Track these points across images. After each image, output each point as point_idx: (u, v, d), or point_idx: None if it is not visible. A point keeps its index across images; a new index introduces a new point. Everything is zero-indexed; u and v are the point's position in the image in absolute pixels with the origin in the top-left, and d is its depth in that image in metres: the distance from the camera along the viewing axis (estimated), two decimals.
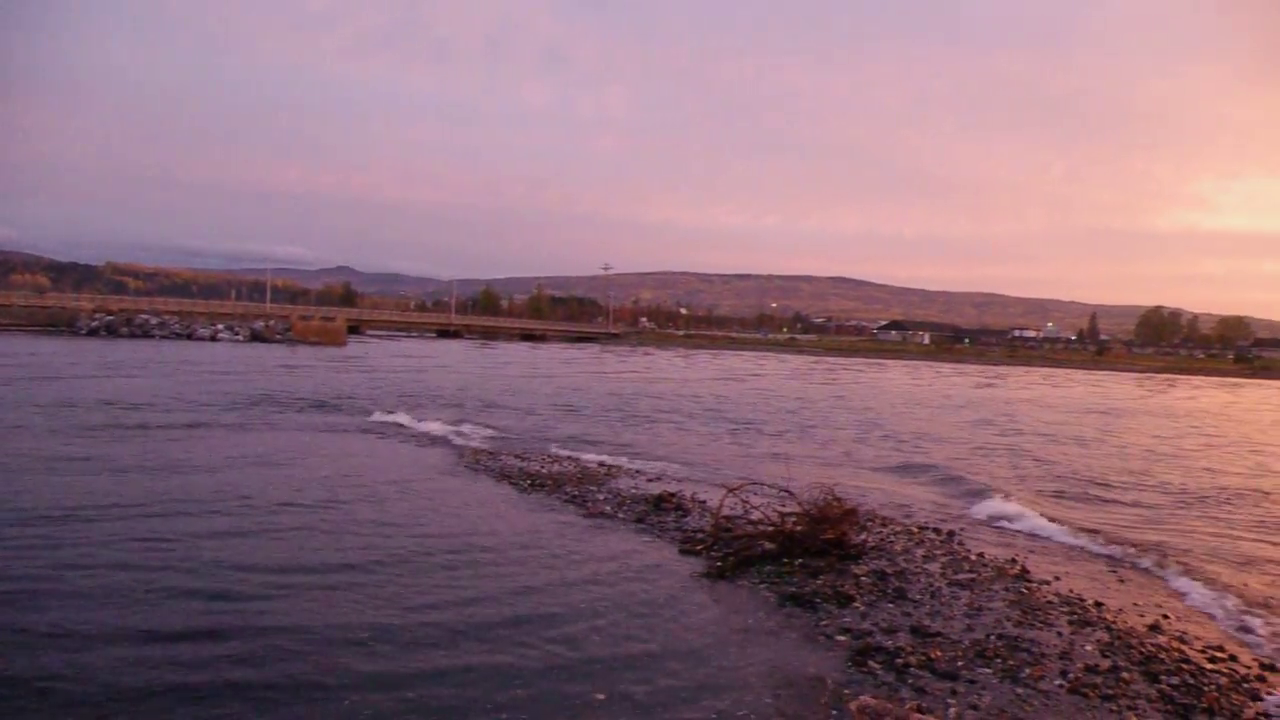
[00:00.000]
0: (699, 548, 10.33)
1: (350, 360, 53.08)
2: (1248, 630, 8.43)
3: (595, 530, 11.17)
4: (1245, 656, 7.60)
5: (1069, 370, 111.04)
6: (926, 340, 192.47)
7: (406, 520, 11.18)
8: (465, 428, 21.31)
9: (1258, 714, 6.27)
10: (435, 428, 21.09)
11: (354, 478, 14.00)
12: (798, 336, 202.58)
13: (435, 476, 14.66)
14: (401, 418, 22.68)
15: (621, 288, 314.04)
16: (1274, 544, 12.36)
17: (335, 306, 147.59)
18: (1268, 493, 17.24)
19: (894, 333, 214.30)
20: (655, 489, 13.84)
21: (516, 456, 17.02)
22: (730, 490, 11.35)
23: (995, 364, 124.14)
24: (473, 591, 8.30)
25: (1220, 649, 7.71)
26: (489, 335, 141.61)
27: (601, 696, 6.07)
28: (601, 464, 16.66)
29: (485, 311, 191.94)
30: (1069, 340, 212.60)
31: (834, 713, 5.81)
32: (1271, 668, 7.35)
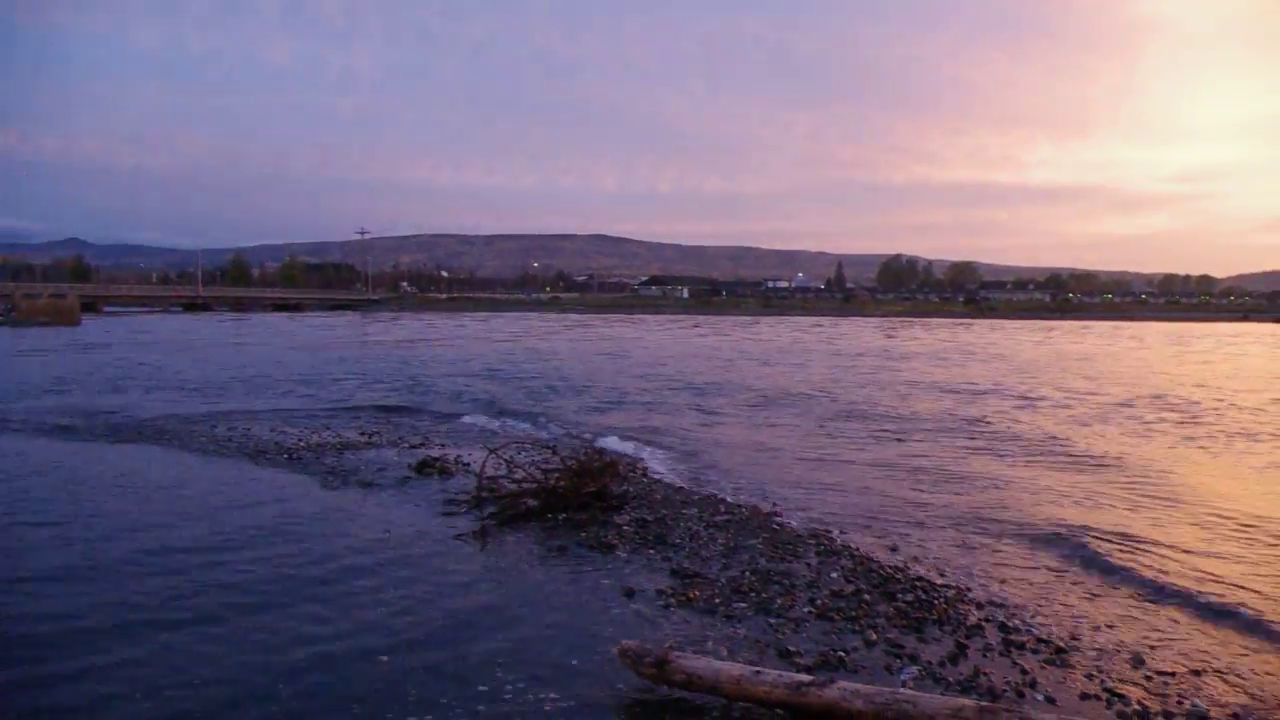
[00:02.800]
0: (464, 509, 10.25)
1: (85, 345, 49.08)
2: (969, 549, 9.23)
3: (356, 499, 10.87)
4: (978, 572, 8.34)
5: (819, 317, 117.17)
6: (685, 294, 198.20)
7: (145, 510, 10.51)
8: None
9: (979, 620, 6.87)
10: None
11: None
12: (561, 295, 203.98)
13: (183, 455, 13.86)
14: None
15: (380, 252, 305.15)
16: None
17: (66, 283, 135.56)
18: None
19: (654, 288, 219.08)
20: (418, 455, 13.59)
21: (272, 430, 16.31)
22: (492, 450, 11.31)
23: (751, 314, 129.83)
24: (229, 575, 7.86)
25: (950, 566, 8.44)
26: (241, 307, 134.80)
27: (385, 658, 5.96)
28: (363, 433, 16.23)
29: (236, 282, 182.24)
30: (819, 289, 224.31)
31: (598, 658, 5.93)
32: (999, 580, 8.12)
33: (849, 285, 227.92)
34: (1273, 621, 7.10)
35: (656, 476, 12.54)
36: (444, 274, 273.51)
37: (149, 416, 18.10)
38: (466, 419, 18.80)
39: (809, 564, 8.28)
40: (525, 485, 10.45)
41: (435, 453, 13.81)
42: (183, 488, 11.45)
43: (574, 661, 5.92)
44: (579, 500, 10.18)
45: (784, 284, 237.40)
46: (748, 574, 7.89)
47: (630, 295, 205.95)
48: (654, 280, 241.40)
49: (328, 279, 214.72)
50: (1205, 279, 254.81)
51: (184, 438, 15.47)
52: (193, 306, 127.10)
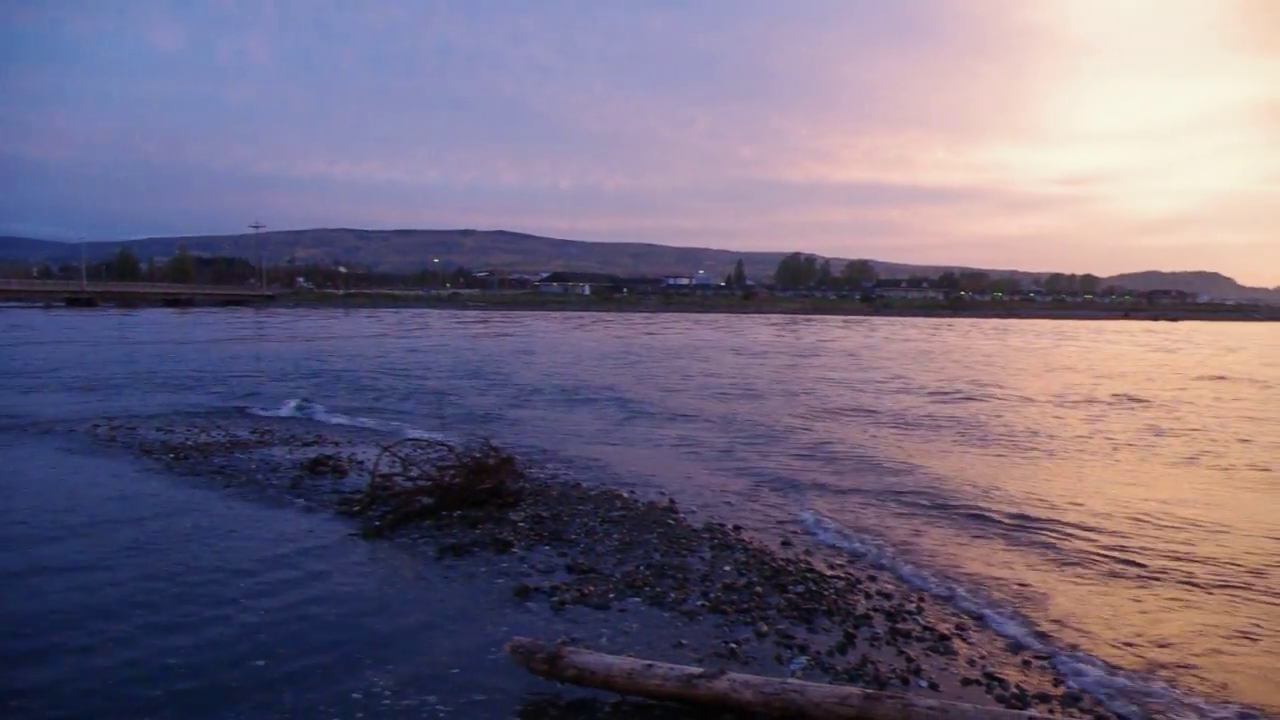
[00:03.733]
0: (356, 509, 10.04)
1: None
2: (862, 541, 9.44)
3: (245, 500, 10.55)
4: (861, 563, 8.53)
5: (716, 315, 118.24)
6: (587, 291, 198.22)
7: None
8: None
9: (867, 610, 7.03)
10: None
11: None
12: (462, 292, 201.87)
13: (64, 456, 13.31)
14: None
15: (275, 247, 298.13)
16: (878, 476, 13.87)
17: None
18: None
19: (556, 285, 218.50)
20: (311, 453, 13.29)
21: (159, 429, 15.77)
22: (385, 448, 11.13)
23: (652, 310, 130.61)
24: (101, 581, 7.56)
25: (842, 556, 8.64)
26: (128, 302, 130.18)
27: (261, 663, 5.79)
28: (255, 431, 15.80)
29: (123, 276, 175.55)
30: (719, 286, 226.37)
31: (490, 657, 5.88)
32: (883, 567, 8.34)
33: (749, 283, 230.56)
34: (1154, 596, 7.44)
35: (555, 472, 12.51)
36: (341, 270, 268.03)
37: (26, 415, 17.32)
38: (363, 418, 18.43)
39: (703, 558, 8.34)
40: (420, 483, 10.30)
41: (329, 451, 13.51)
42: (56, 489, 10.99)
43: (465, 661, 5.85)
44: (475, 497, 10.08)
45: (685, 281, 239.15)
46: (643, 569, 7.92)
47: (532, 292, 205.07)
48: (556, 277, 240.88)
49: (220, 274, 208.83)
50: (1089, 278, 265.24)
51: (64, 437, 14.85)
52: (76, 302, 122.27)
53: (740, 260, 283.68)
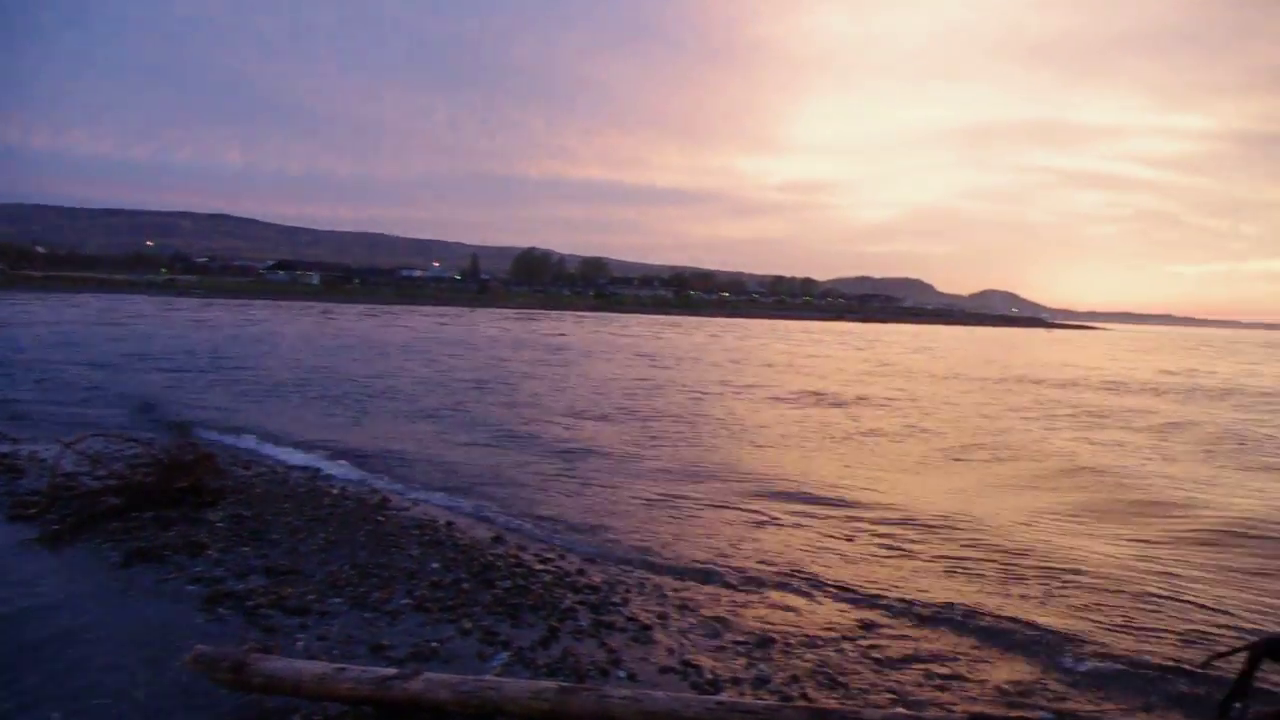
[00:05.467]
0: (33, 512, 9.10)
1: None
2: (574, 533, 9.59)
3: None
4: (572, 556, 8.62)
5: (453, 308, 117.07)
6: (317, 280, 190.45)
7: None
8: None
9: (574, 604, 7.10)
10: None
11: None
12: (178, 278, 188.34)
13: None
14: None
15: None
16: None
17: None
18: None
19: (283, 273, 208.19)
20: None
21: None
22: (67, 444, 10.16)
23: (385, 302, 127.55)
24: None
25: (552, 549, 8.69)
26: None
27: None
28: None
29: None
30: (454, 279, 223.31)
31: (173, 671, 5.46)
32: (591, 560, 8.47)
33: (484, 276, 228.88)
34: (838, 583, 7.96)
35: (265, 468, 11.90)
36: (40, 250, 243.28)
37: None
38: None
39: (412, 555, 8.16)
40: (108, 482, 9.49)
41: (4, 449, 12.22)
42: None
43: (148, 680, 5.38)
44: (169, 496, 9.38)
45: (419, 273, 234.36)
46: (347, 568, 7.63)
47: (256, 280, 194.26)
48: (283, 265, 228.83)
49: None
50: (809, 281, 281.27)
51: None
52: None
53: (475, 254, 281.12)
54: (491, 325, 74.76)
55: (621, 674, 5.77)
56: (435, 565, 7.87)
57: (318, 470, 12.22)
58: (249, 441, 14.29)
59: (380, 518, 9.51)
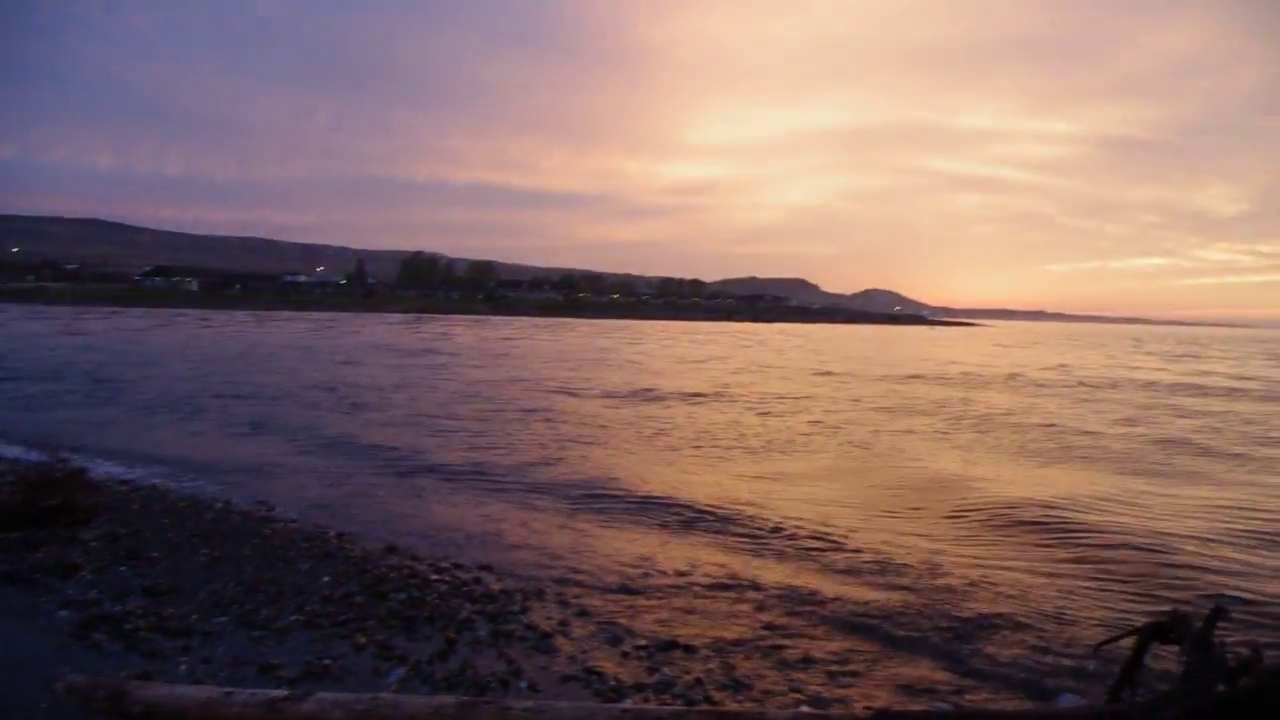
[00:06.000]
0: None
1: None
2: (470, 538, 9.42)
3: None
4: (469, 565, 8.43)
5: (339, 314, 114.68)
6: (195, 287, 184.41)
7: None
8: None
9: (471, 613, 6.93)
10: None
11: None
12: (48, 285, 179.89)
13: None
14: None
15: None
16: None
17: None
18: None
19: (160, 279, 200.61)
20: None
21: None
22: None
23: (268, 308, 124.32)
24: None
25: (445, 560, 8.49)
26: None
27: None
28: None
29: None
30: (340, 284, 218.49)
31: (44, 702, 5.13)
32: (488, 568, 8.29)
33: (371, 281, 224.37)
34: (741, 584, 7.97)
35: (141, 483, 11.37)
36: None
37: None
38: None
39: (301, 569, 7.87)
40: None
41: None
42: None
43: (14, 714, 5.05)
44: (37, 515, 8.88)
45: (304, 278, 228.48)
46: (233, 585, 7.32)
47: (131, 287, 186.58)
48: (160, 271, 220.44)
49: None
50: (697, 283, 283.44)
51: None
52: None
53: (361, 258, 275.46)
54: (375, 331, 73.48)
55: (523, 685, 5.64)
56: (326, 579, 7.59)
57: (158, 485, 11.75)
58: (118, 458, 13.65)
59: (267, 531, 9.17)
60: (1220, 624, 4.49)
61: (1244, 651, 4.37)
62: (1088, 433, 20.38)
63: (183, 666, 5.67)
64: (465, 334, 71.98)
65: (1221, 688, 4.25)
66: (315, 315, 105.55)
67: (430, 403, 22.64)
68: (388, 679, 5.61)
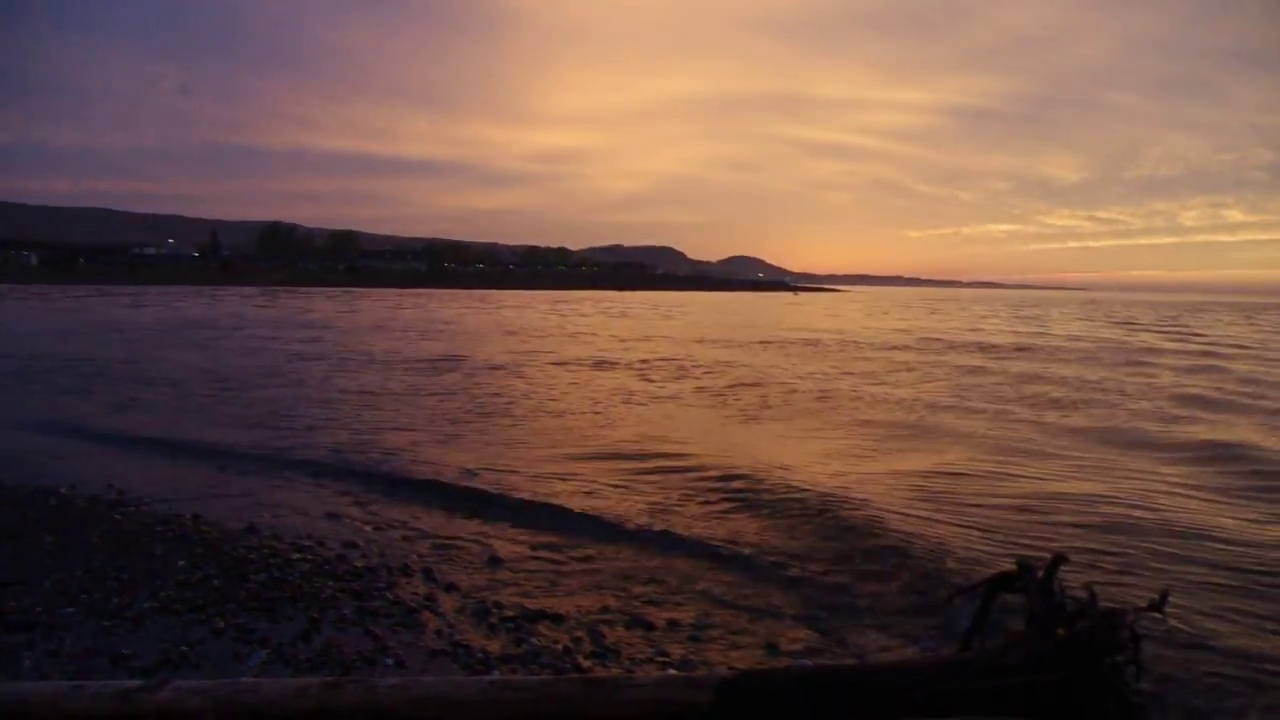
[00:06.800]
0: None
1: None
2: (336, 515, 9.27)
3: None
4: (331, 541, 8.29)
5: (196, 286, 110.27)
6: (34, 261, 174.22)
7: None
8: None
9: (335, 591, 6.82)
10: None
11: None
12: None
13: None
14: None
15: None
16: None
17: None
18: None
19: None
20: None
21: None
22: None
23: (116, 283, 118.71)
24: None
25: (309, 538, 8.31)
26: None
27: None
28: None
29: None
30: (194, 256, 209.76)
31: None
32: (353, 545, 8.16)
33: (226, 253, 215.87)
34: (605, 555, 8.07)
35: None
36: None
37: None
38: None
39: (155, 554, 7.59)
40: None
41: None
42: None
43: None
44: None
45: (154, 251, 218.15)
46: (80, 573, 7.01)
47: None
48: None
49: None
50: (563, 251, 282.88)
51: None
52: None
53: (216, 229, 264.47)
54: (232, 305, 71.03)
55: (390, 662, 5.60)
56: (182, 563, 7.34)
57: None
58: None
59: (118, 515, 8.79)
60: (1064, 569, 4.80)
61: (1082, 596, 4.69)
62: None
63: (27, 662, 5.44)
64: (331, 308, 70.13)
65: (1061, 631, 4.54)
66: (168, 290, 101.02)
67: (298, 386, 22.02)
68: (249, 663, 5.49)
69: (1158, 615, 4.70)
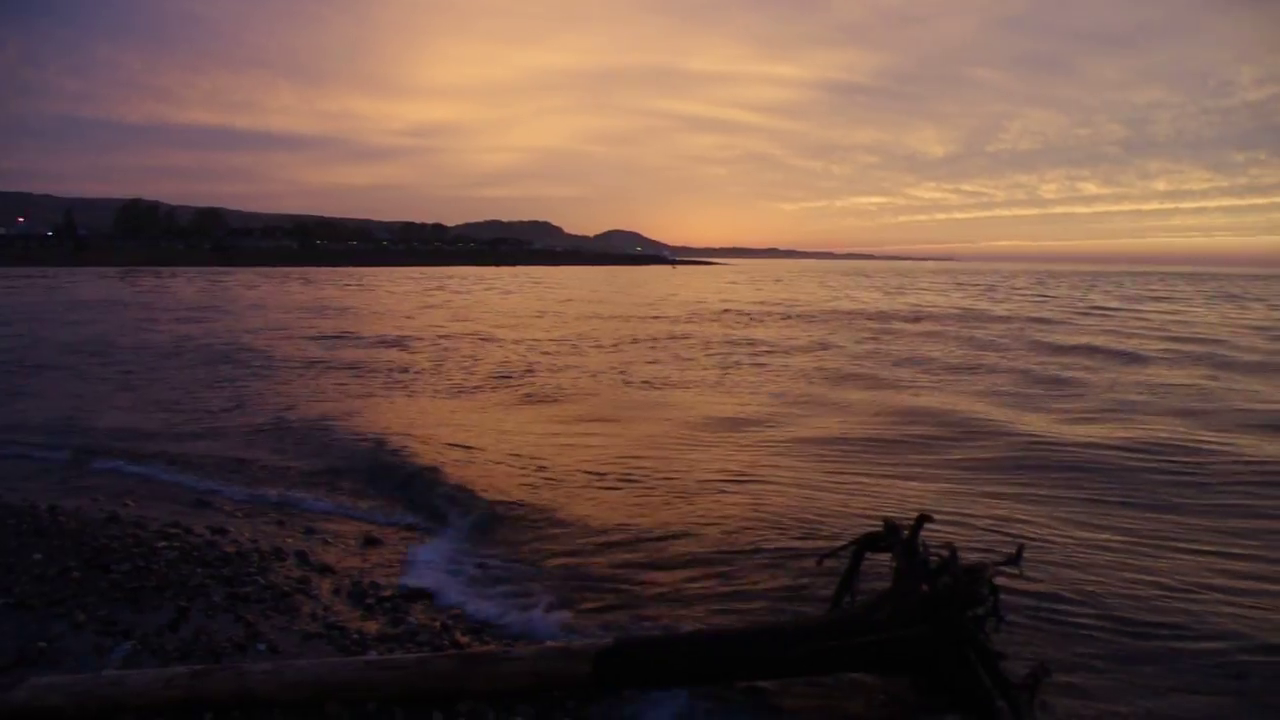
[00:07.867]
0: None
1: None
2: (205, 503, 9.01)
3: None
4: (199, 526, 8.04)
5: (48, 268, 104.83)
6: None
7: None
8: None
9: (205, 578, 6.63)
10: None
11: None
12: None
13: None
14: None
15: None
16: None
17: None
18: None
19: None
20: None
21: None
22: None
23: None
24: None
25: (176, 525, 8.04)
26: None
27: None
28: None
29: None
30: (46, 236, 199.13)
31: None
32: (221, 530, 7.94)
33: (82, 232, 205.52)
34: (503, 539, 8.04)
35: None
36: None
37: None
38: None
39: (8, 548, 7.21)
40: None
41: None
42: None
43: None
44: None
45: (2, 231, 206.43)
46: None
47: None
48: None
49: None
50: (439, 227, 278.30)
51: None
52: None
53: (70, 208, 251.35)
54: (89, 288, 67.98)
55: (261, 647, 5.46)
56: (38, 556, 6.97)
57: None
58: None
59: None
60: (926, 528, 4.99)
61: (944, 553, 4.89)
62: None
63: None
64: (193, 289, 67.67)
65: (925, 587, 4.74)
66: (16, 271, 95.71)
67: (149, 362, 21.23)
68: (113, 655, 5.29)
69: (1014, 570, 4.95)
